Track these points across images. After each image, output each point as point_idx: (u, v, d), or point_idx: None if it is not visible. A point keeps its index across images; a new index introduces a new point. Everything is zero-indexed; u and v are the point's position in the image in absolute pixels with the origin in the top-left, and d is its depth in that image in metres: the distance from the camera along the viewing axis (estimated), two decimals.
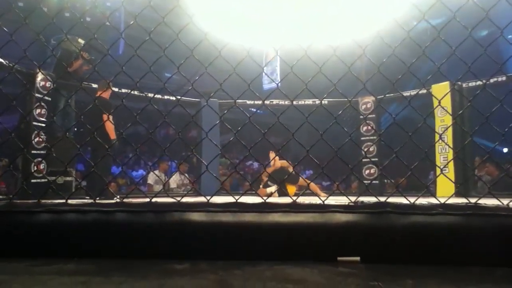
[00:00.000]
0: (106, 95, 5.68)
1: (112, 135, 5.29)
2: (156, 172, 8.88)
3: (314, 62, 1.96)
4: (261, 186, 7.25)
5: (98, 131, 4.84)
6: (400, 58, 2.10)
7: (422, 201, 1.78)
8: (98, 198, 1.86)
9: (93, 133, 2.16)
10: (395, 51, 2.05)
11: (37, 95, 5.90)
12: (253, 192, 6.11)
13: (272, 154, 6.93)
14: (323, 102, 2.56)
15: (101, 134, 4.98)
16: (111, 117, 5.27)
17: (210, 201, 1.75)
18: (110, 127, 5.29)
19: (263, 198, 1.74)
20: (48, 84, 6.05)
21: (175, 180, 8.73)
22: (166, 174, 8.95)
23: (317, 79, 2.05)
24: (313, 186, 6.73)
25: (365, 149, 7.40)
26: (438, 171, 5.95)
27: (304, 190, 6.57)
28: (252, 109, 8.62)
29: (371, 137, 7.47)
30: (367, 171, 7.58)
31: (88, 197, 3.74)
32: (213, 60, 2.09)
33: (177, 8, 2.17)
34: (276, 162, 7.07)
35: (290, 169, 6.97)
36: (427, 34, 7.49)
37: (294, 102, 2.18)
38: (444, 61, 1.97)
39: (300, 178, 7.30)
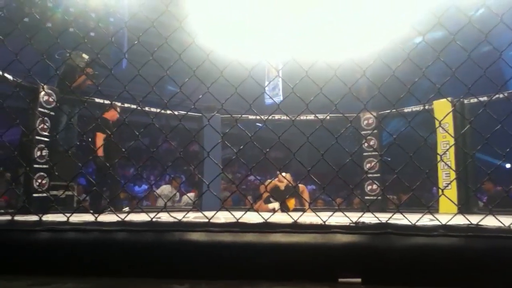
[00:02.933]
0: (110, 115, 5.91)
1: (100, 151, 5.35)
2: (167, 187, 8.87)
3: (315, 83, 1.98)
4: (261, 200, 7.23)
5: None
6: (401, 75, 2.11)
7: (425, 219, 1.78)
8: (109, 209, 1.85)
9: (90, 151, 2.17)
10: (397, 69, 2.07)
11: (40, 109, 5.94)
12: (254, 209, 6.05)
13: (280, 175, 6.86)
14: (325, 117, 2.57)
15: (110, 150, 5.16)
16: (103, 136, 5.44)
17: (211, 220, 1.75)
18: (99, 144, 5.43)
19: (263, 218, 1.74)
20: (51, 98, 6.09)
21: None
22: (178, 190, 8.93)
23: (320, 94, 2.06)
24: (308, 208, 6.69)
25: (368, 165, 7.39)
26: (440, 189, 5.93)
27: (309, 207, 6.56)
28: (257, 124, 8.67)
29: (373, 153, 7.47)
30: (369, 187, 7.56)
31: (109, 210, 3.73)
32: (215, 81, 2.11)
33: (180, 25, 2.20)
34: (282, 181, 7.00)
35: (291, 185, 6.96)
36: (429, 50, 7.52)
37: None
38: (445, 81, 1.98)
39: (300, 187, 7.26)
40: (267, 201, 7.08)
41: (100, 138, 5.59)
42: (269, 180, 7.25)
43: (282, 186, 7.07)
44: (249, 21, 7.30)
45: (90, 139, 5.54)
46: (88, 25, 8.35)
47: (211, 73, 2.17)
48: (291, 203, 7.26)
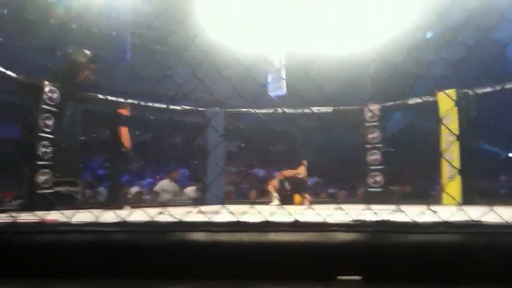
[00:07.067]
0: (125, 112, 6.12)
1: (128, 144, 5.80)
2: (166, 181, 8.91)
3: (312, 66, 1.96)
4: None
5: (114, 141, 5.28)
6: (407, 65, 2.09)
7: (427, 212, 1.76)
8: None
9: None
10: (405, 57, 2.05)
11: (44, 106, 5.94)
12: (258, 201, 6.10)
13: (303, 165, 6.97)
14: (329, 109, 2.54)
15: (117, 144, 5.37)
16: (127, 128, 5.83)
17: (212, 219, 1.75)
18: (126, 137, 5.79)
19: (264, 216, 1.73)
20: (55, 95, 6.09)
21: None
22: (176, 182, 8.97)
23: (325, 85, 2.04)
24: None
25: (370, 157, 7.35)
26: (444, 179, 5.92)
27: (309, 205, 6.64)
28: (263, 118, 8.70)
29: (377, 145, 7.42)
30: (372, 179, 7.51)
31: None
32: (211, 66, 2.10)
33: (186, 18, 2.18)
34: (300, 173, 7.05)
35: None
36: (435, 42, 7.46)
37: (300, 110, 2.18)
38: (442, 73, 1.96)
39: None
40: (282, 185, 7.10)
41: (125, 131, 5.87)
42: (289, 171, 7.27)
43: (301, 176, 7.10)
44: (255, 15, 7.25)
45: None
46: (90, 20, 8.33)
47: (217, 65, 2.17)
48: (298, 198, 7.28)
